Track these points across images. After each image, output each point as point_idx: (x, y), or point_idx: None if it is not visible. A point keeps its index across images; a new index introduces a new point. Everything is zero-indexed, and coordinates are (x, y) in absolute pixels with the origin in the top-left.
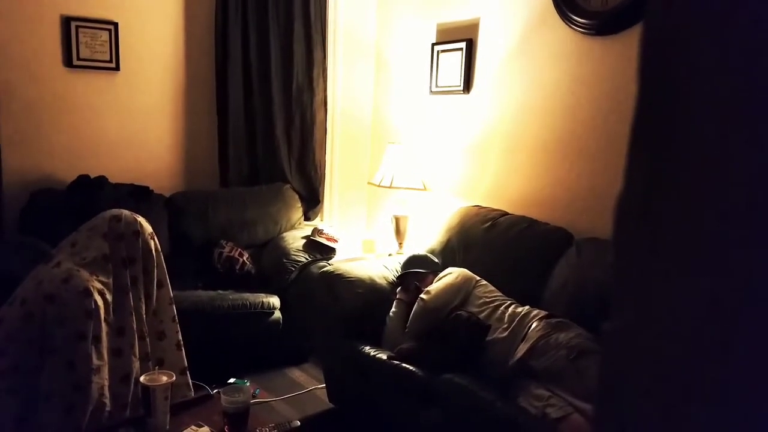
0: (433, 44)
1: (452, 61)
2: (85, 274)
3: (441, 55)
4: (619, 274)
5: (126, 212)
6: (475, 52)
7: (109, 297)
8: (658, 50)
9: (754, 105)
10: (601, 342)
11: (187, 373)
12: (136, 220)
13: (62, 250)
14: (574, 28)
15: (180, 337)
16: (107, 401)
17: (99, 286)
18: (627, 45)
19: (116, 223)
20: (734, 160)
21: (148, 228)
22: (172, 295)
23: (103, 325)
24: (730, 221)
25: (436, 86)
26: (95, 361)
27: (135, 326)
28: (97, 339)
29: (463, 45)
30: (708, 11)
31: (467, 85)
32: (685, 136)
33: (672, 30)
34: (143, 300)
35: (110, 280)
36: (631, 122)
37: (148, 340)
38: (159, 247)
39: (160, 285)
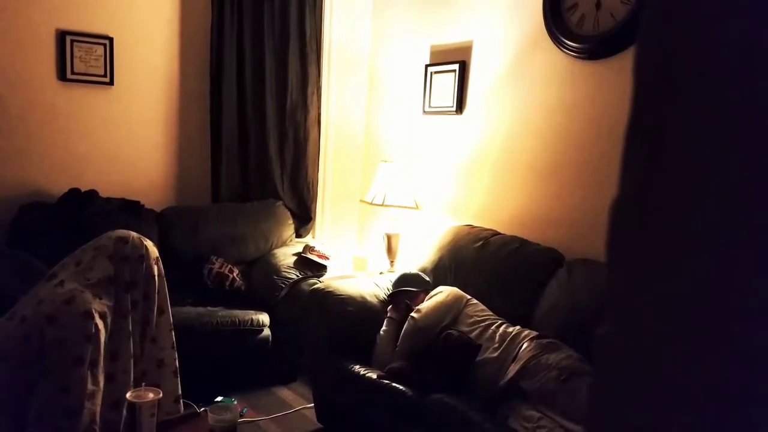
0: (427, 65)
1: (445, 82)
2: (88, 296)
3: (434, 76)
4: (613, 278)
5: (134, 234)
6: (468, 74)
7: (109, 320)
8: (653, 54)
9: (749, 110)
10: (594, 348)
11: (180, 401)
12: (143, 243)
13: (66, 267)
14: (565, 52)
15: (177, 364)
16: (97, 428)
17: (101, 308)
18: (618, 69)
19: (123, 245)
20: (728, 165)
21: (154, 252)
22: (172, 321)
23: (102, 349)
24: (724, 224)
25: (429, 106)
26: (90, 386)
27: (131, 352)
28: (94, 363)
29: (456, 67)
30: (703, 19)
31: (460, 106)
32: (679, 141)
33: (668, 34)
34: (141, 325)
35: (112, 303)
36: (625, 128)
37: (140, 366)
38: (162, 272)
39: (161, 311)
